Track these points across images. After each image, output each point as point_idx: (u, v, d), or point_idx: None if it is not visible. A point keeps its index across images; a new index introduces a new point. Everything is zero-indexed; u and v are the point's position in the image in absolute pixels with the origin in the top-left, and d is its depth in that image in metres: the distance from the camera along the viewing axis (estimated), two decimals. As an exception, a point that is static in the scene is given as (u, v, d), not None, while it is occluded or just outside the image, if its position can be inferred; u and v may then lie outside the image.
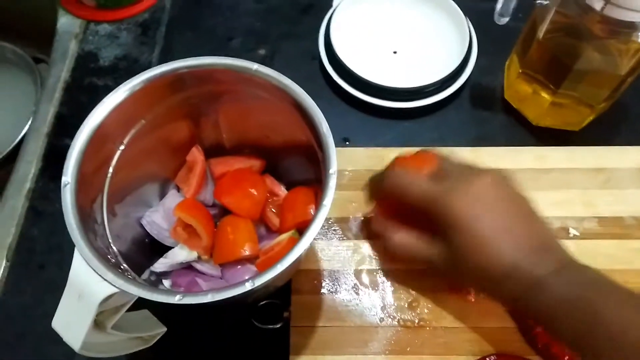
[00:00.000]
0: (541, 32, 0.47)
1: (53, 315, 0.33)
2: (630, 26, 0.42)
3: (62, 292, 0.32)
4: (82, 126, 0.34)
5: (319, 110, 0.35)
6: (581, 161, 0.50)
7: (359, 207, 0.48)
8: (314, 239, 0.46)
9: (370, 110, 0.55)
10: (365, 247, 0.47)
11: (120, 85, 0.35)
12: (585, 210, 0.48)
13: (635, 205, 0.48)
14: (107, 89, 0.36)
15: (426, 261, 0.39)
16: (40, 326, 0.45)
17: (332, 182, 0.33)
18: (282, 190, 0.45)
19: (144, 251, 0.40)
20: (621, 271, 0.44)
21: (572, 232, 0.47)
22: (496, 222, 0.36)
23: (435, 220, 0.37)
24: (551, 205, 0.48)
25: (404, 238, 0.40)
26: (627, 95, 0.51)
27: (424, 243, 0.39)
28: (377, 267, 0.46)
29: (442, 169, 0.40)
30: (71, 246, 0.32)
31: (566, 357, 0.41)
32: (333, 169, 0.33)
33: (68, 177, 0.32)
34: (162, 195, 0.45)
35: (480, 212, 0.36)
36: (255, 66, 0.36)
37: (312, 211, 0.40)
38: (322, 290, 0.45)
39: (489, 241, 0.35)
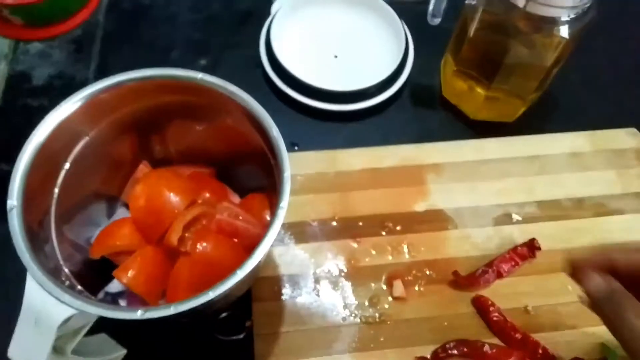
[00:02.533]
0: (471, 31, 0.49)
1: (5, 349, 0.31)
2: (552, 21, 0.45)
3: (13, 324, 0.31)
4: (24, 146, 0.33)
5: (268, 115, 0.36)
6: (516, 150, 0.53)
7: (313, 210, 0.49)
8: (271, 245, 0.46)
9: (317, 115, 0.56)
10: (323, 249, 0.47)
11: (62, 102, 0.34)
12: (525, 196, 0.51)
13: (570, 187, 0.51)
14: (43, 110, 0.34)
15: None
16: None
17: (287, 185, 0.33)
18: (236, 198, 0.44)
19: (98, 272, 0.39)
20: (563, 250, 0.48)
21: (515, 217, 0.49)
22: None
23: None
24: (492, 193, 0.50)
25: None
26: (554, 87, 0.54)
27: None
28: (336, 267, 0.47)
29: None
30: (17, 275, 0.30)
31: (517, 335, 0.43)
32: (287, 172, 0.34)
33: (14, 200, 0.31)
34: (111, 214, 0.44)
35: None
36: (199, 75, 0.36)
37: (267, 217, 0.40)
38: (283, 296, 0.45)
39: None
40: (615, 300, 0.31)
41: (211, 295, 0.29)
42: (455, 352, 0.42)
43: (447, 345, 0.43)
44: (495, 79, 0.50)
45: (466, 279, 0.45)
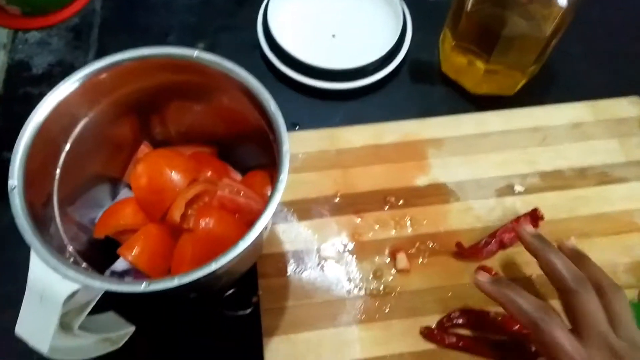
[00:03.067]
0: (469, 5, 0.49)
1: (14, 330, 0.32)
2: (549, -10, 0.45)
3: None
4: (24, 127, 0.33)
5: (265, 90, 0.36)
6: (518, 122, 0.53)
7: (315, 187, 0.49)
8: (274, 223, 0.47)
9: (316, 94, 0.55)
10: (326, 225, 0.47)
11: (60, 83, 0.35)
12: (527, 168, 0.51)
13: (572, 158, 0.51)
14: (44, 97, 0.35)
15: None
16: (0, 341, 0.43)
17: (286, 158, 0.33)
18: (237, 176, 0.45)
19: (103, 252, 0.40)
20: (565, 219, 0.48)
21: (517, 188, 0.49)
22: None
23: None
24: (495, 166, 0.50)
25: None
26: (554, 59, 0.54)
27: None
28: (339, 243, 0.47)
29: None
30: (24, 260, 0.31)
31: None
32: (286, 145, 0.34)
33: (14, 179, 0.31)
34: (114, 195, 0.44)
35: None
36: (195, 52, 0.36)
37: (269, 193, 0.40)
38: (288, 272, 0.45)
39: None
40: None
41: (214, 266, 0.30)
42: (460, 321, 0.43)
43: (452, 315, 0.43)
44: (494, 52, 0.50)
45: (469, 250, 0.46)
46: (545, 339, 0.35)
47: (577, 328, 0.36)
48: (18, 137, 0.33)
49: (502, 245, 0.46)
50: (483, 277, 0.40)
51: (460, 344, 0.42)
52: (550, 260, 0.39)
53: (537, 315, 0.36)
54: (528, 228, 0.42)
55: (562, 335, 0.35)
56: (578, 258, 0.40)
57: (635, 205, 0.49)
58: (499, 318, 0.43)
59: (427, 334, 0.43)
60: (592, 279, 0.38)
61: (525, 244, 0.41)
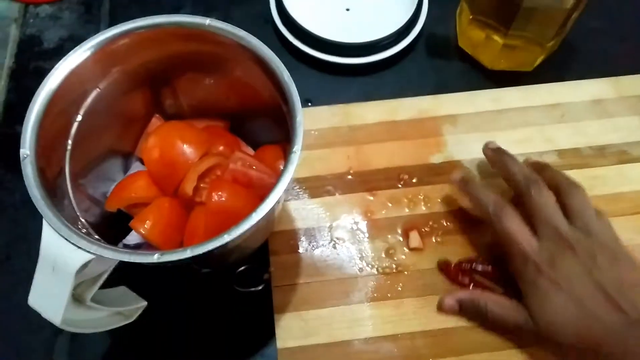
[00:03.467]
0: (488, -25, 0.48)
1: (27, 305, 0.32)
2: (573, -42, 0.43)
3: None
4: (35, 96, 0.33)
5: (279, 60, 0.35)
6: (536, 99, 0.52)
7: (328, 164, 0.48)
8: (286, 200, 0.46)
9: (329, 69, 0.54)
10: (338, 203, 0.47)
11: (71, 51, 0.34)
12: (545, 145, 0.49)
13: (591, 135, 0.50)
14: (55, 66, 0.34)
15: (515, 326, 0.39)
16: (15, 316, 0.43)
17: (300, 129, 0.33)
18: (249, 150, 0.44)
19: (116, 224, 0.39)
20: (583, 198, 0.47)
21: (535, 166, 0.48)
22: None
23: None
24: (512, 143, 0.49)
25: (498, 301, 0.40)
26: (574, 35, 0.52)
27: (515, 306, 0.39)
28: (352, 220, 0.46)
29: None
30: (37, 234, 0.30)
31: None
32: (300, 116, 0.33)
33: (26, 149, 0.31)
34: (126, 169, 0.44)
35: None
36: (207, 21, 0.36)
37: (281, 167, 0.40)
38: (300, 249, 0.45)
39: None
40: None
41: (226, 238, 0.29)
42: (479, 267, 0.42)
43: (475, 261, 0.43)
44: (513, 25, 0.48)
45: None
46: (500, 230, 0.39)
47: (532, 225, 0.39)
48: (29, 106, 0.32)
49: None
50: (457, 174, 0.44)
51: (470, 288, 0.43)
52: (507, 166, 0.42)
53: (494, 208, 0.40)
54: (490, 144, 0.45)
55: (515, 227, 0.39)
56: (539, 166, 0.44)
57: (656, 184, 0.47)
58: None
59: (444, 267, 0.44)
60: (552, 181, 0.41)
61: (488, 158, 0.45)
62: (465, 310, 0.41)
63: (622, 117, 0.50)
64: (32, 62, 0.56)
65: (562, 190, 0.40)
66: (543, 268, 0.37)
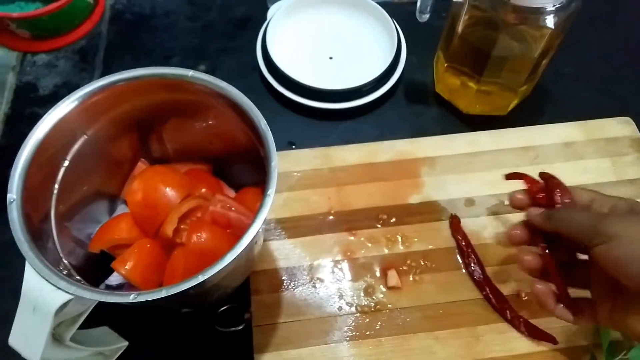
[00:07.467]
0: (460, 27, 0.50)
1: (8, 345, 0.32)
2: (538, 12, 0.46)
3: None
4: (24, 143, 0.34)
5: (256, 108, 0.37)
6: (510, 142, 0.54)
7: (309, 205, 0.50)
8: (267, 240, 0.47)
9: (313, 114, 0.57)
10: (319, 242, 0.48)
11: (60, 102, 0.36)
12: (519, 186, 0.51)
13: (564, 176, 0.50)
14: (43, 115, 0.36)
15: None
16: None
17: (274, 173, 0.34)
18: (231, 192, 0.46)
19: (99, 267, 0.41)
20: (556, 237, 0.48)
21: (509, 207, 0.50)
22: None
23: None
24: (486, 184, 0.51)
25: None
26: (546, 80, 0.55)
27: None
28: (332, 260, 0.47)
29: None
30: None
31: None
32: (274, 161, 0.35)
33: (13, 193, 0.33)
34: (112, 211, 0.45)
35: None
36: (190, 72, 0.38)
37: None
38: (281, 288, 0.46)
39: None
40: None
41: (200, 278, 0.30)
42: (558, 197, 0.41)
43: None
44: (485, 72, 0.51)
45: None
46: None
47: None
48: (18, 153, 0.34)
49: None
50: (535, 210, 0.41)
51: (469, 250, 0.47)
52: (563, 220, 0.38)
53: (594, 222, 0.35)
54: (534, 211, 0.41)
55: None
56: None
57: (627, 224, 0.49)
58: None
59: (453, 222, 0.48)
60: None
61: (537, 224, 0.41)
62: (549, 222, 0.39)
63: (592, 159, 0.52)
64: (28, 108, 0.58)
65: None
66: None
